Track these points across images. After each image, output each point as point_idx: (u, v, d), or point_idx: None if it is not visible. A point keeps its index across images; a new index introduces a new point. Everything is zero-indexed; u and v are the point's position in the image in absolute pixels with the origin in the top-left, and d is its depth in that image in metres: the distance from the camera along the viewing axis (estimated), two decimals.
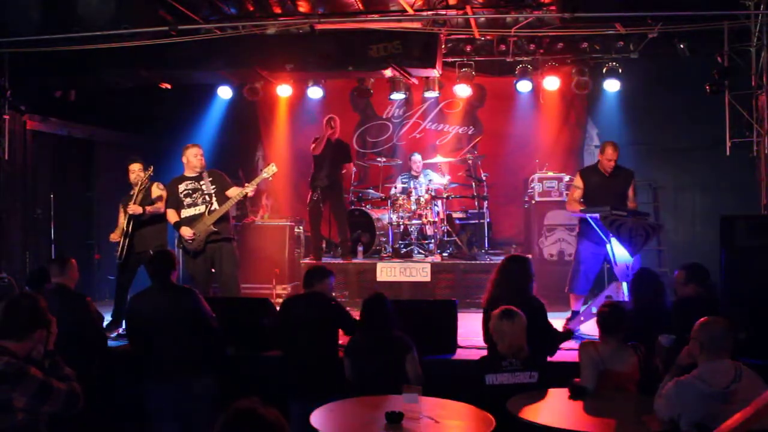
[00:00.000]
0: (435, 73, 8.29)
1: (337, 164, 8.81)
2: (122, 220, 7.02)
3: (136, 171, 7.06)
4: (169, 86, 8.85)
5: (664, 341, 4.20)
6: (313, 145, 8.75)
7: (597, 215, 6.46)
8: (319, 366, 4.79)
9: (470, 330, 6.40)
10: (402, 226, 8.97)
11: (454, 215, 9.48)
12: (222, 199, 6.84)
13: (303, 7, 8.08)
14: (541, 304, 5.07)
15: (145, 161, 7.18)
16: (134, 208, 6.83)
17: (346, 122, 10.80)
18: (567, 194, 8.94)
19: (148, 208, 6.91)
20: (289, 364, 4.93)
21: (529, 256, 8.86)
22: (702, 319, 3.57)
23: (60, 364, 3.43)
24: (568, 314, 6.94)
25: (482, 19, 8.31)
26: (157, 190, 7.06)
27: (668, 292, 5.22)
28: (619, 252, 6.51)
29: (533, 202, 9.05)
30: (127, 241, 6.86)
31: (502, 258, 8.95)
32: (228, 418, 2.15)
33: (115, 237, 7.00)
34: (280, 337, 5.05)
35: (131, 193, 7.04)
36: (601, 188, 6.88)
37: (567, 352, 5.51)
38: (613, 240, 6.48)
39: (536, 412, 3.76)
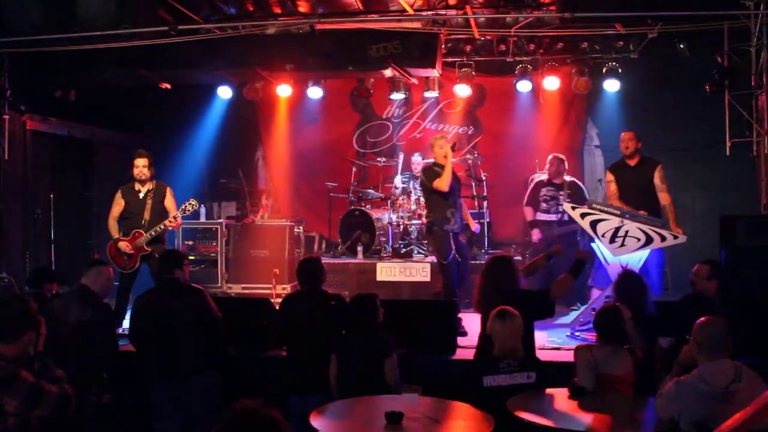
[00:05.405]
0: (435, 73, 8.29)
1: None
2: (116, 211, 6.87)
3: (141, 167, 6.83)
4: (169, 86, 8.84)
5: (664, 343, 4.19)
6: None
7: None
8: (320, 363, 4.75)
9: (470, 330, 6.41)
10: (402, 226, 8.96)
11: None
12: None
13: (303, 7, 8.09)
14: (529, 293, 4.89)
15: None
16: (177, 221, 6.76)
17: (346, 122, 10.85)
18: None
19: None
20: (290, 362, 4.93)
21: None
22: (701, 319, 3.57)
23: (50, 365, 3.36)
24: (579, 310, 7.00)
25: (482, 19, 8.31)
26: (170, 195, 6.91)
27: (651, 295, 5.08)
28: (606, 250, 6.45)
29: None
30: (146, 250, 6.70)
31: None
32: (228, 419, 2.14)
33: (126, 247, 6.73)
34: (280, 334, 5.04)
35: (136, 188, 6.87)
36: (627, 181, 6.90)
37: (567, 352, 5.51)
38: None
39: (536, 413, 3.76)
